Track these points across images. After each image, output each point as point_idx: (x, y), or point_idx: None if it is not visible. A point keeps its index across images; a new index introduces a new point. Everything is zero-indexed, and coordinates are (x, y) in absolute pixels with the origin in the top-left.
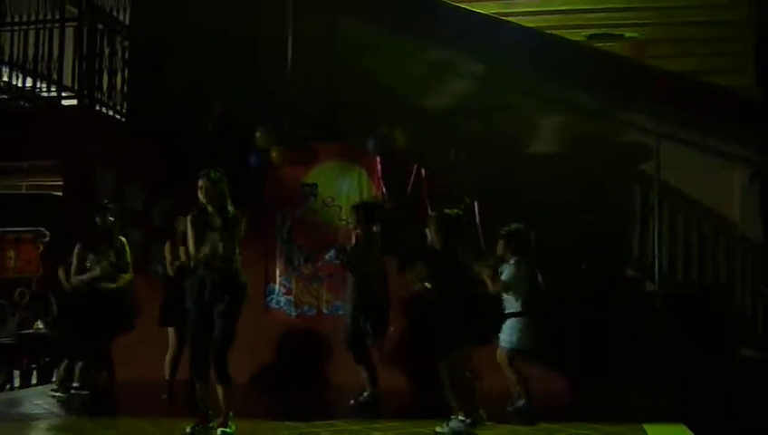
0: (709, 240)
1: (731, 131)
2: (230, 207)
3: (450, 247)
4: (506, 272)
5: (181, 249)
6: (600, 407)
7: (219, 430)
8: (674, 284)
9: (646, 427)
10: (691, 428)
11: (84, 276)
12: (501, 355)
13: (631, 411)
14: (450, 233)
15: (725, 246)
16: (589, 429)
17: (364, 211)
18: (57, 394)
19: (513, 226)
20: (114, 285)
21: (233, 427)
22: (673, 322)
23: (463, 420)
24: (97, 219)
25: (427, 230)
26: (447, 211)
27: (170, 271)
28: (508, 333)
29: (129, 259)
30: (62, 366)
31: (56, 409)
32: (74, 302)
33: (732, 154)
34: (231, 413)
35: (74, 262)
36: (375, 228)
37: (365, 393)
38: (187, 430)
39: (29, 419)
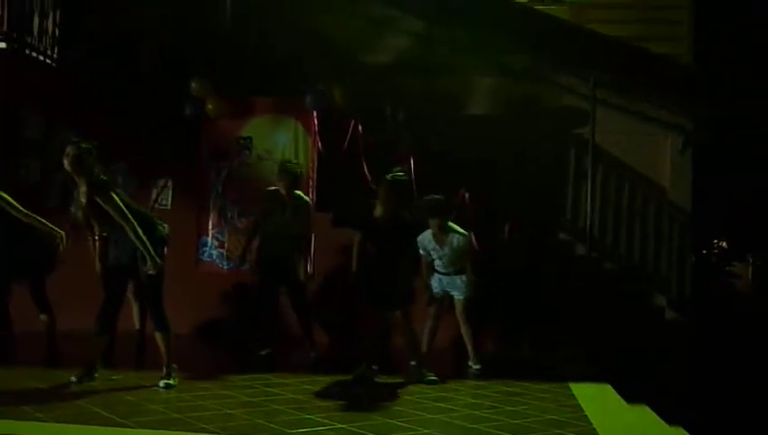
0: (639, 205)
1: (665, 99)
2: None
3: (399, 209)
4: (454, 244)
5: None
6: (526, 366)
7: (162, 382)
8: (604, 247)
9: (571, 386)
10: (616, 389)
11: None
12: (459, 308)
13: (557, 371)
14: (401, 196)
15: (655, 212)
16: (515, 386)
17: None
18: None
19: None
20: None
21: (176, 379)
22: (602, 285)
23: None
24: None
25: (379, 192)
26: (399, 176)
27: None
28: (461, 290)
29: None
30: None
31: None
32: None
33: (665, 121)
34: (174, 365)
35: None
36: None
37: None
38: (73, 378)
39: None
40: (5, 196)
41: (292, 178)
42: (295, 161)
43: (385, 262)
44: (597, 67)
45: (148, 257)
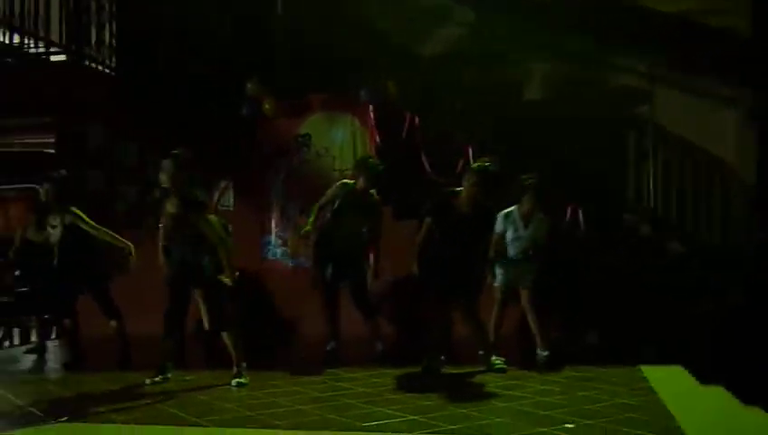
0: (703, 183)
1: (726, 73)
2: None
3: (483, 198)
4: (537, 225)
5: None
6: (595, 351)
7: (234, 381)
8: (669, 227)
9: (643, 369)
10: (688, 371)
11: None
12: (525, 296)
13: (627, 355)
14: (486, 186)
15: (720, 189)
16: (585, 371)
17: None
18: (30, 354)
19: (531, 178)
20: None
21: (246, 377)
22: (668, 266)
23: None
24: (41, 191)
25: (465, 181)
26: (486, 165)
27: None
28: (528, 278)
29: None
30: (31, 324)
31: (49, 364)
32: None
33: (727, 96)
34: (244, 364)
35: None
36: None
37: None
38: (147, 381)
39: (27, 374)
40: (78, 212)
41: (374, 175)
42: (375, 159)
43: (457, 251)
44: (654, 45)
45: (228, 271)
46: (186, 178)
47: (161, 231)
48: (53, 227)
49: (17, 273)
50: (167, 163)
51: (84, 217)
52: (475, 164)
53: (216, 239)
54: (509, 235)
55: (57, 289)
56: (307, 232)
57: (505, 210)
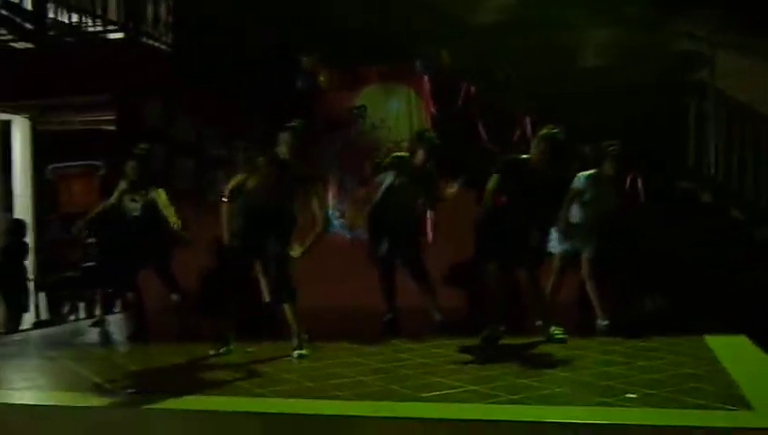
0: (765, 149)
1: None
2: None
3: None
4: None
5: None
6: (657, 320)
7: (295, 353)
8: (730, 194)
9: (706, 338)
10: (753, 341)
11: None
12: (586, 265)
13: (690, 324)
14: (553, 153)
15: None
16: (647, 341)
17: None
18: (95, 327)
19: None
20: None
21: (307, 349)
22: (730, 233)
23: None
24: (127, 169)
25: (534, 148)
26: (555, 133)
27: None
28: (591, 245)
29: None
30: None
31: (114, 337)
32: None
33: None
34: (305, 335)
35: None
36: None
37: (436, 314)
38: (211, 352)
39: (93, 347)
40: (161, 191)
41: (430, 148)
42: (432, 132)
43: (520, 217)
44: (713, 8)
45: (303, 245)
46: (303, 150)
47: (240, 203)
48: (135, 201)
49: (92, 241)
50: (285, 135)
51: (164, 196)
52: (543, 131)
53: (322, 213)
54: (586, 197)
55: (124, 263)
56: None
57: (587, 172)
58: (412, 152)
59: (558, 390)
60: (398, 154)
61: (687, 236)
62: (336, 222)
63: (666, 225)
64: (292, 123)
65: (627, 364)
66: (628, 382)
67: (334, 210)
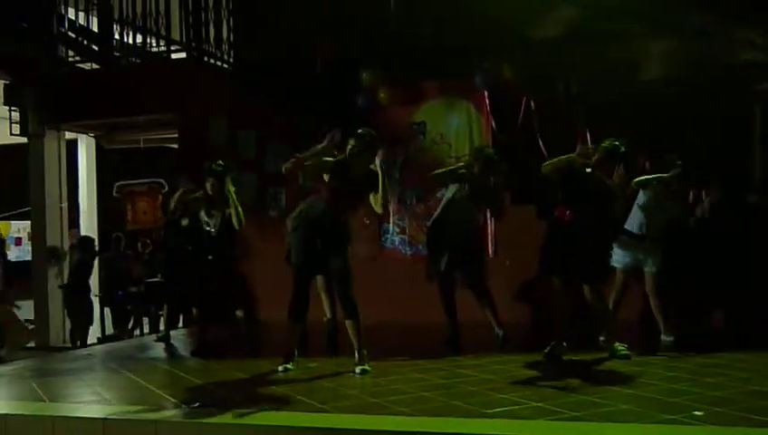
0: None
1: None
2: None
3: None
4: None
5: None
6: (722, 336)
7: (358, 368)
8: None
9: None
10: None
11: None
12: (650, 281)
13: (757, 340)
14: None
15: None
16: (712, 357)
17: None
18: (159, 342)
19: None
20: (213, 230)
21: (369, 364)
22: None
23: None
24: (207, 185)
25: (596, 161)
26: (617, 145)
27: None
28: (655, 259)
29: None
30: (165, 313)
31: (178, 352)
32: (175, 250)
33: None
34: (365, 351)
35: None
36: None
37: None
38: (279, 368)
39: (157, 362)
40: (232, 188)
41: (490, 165)
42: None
43: (582, 231)
44: None
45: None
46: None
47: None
48: (212, 217)
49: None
50: (355, 141)
51: (241, 212)
52: (606, 142)
53: (380, 208)
54: (649, 209)
55: (195, 279)
56: None
57: (650, 184)
58: (472, 168)
59: (623, 406)
60: (458, 168)
61: (754, 249)
62: (396, 238)
63: (732, 237)
64: (360, 131)
65: (692, 381)
66: (694, 399)
67: (394, 226)
